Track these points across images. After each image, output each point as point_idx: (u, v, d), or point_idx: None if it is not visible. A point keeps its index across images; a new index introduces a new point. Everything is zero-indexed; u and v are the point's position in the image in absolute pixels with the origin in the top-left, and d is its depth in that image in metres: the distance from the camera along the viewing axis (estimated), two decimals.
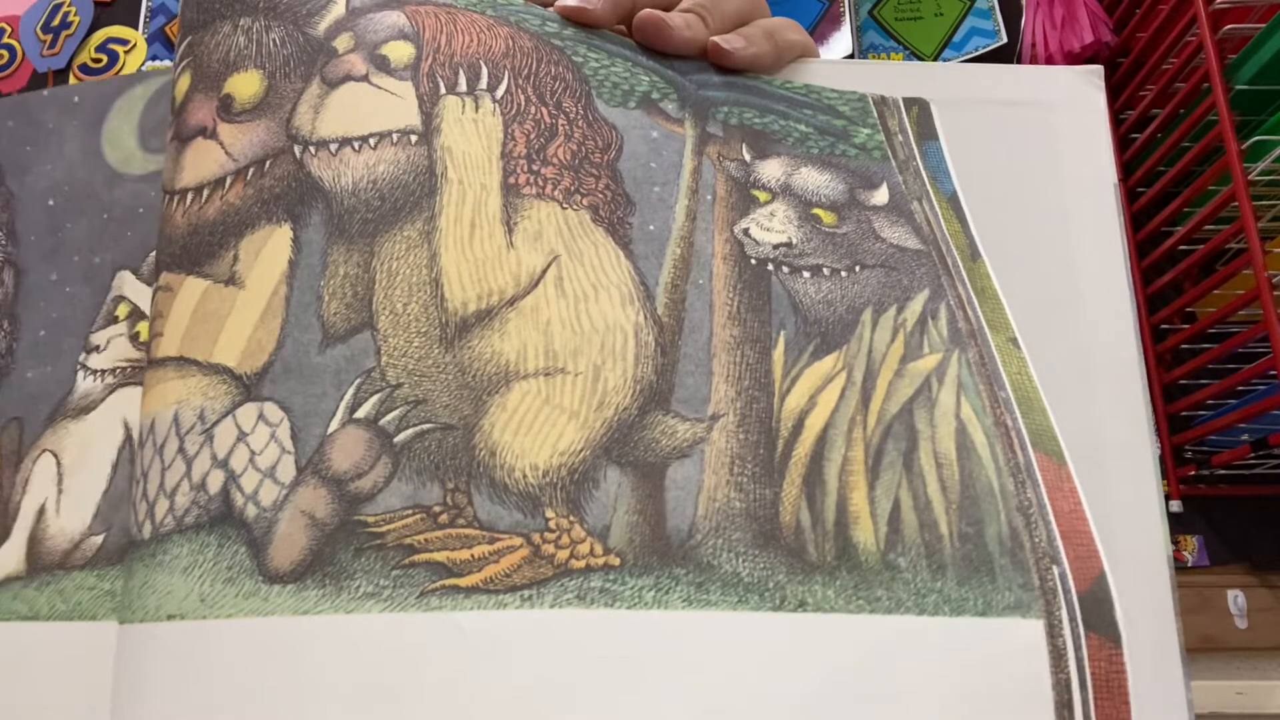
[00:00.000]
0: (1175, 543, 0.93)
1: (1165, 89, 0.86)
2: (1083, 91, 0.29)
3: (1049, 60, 0.99)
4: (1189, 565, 0.93)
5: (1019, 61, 1.05)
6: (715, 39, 0.29)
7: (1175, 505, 0.92)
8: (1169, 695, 0.22)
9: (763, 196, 0.26)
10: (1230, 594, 0.91)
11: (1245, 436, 0.80)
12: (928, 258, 0.25)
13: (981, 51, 1.07)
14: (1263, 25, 0.75)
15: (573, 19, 0.28)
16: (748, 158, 0.27)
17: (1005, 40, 1.05)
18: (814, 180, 0.26)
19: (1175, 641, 0.22)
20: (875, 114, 0.28)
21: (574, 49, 0.27)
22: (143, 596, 0.20)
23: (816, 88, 0.29)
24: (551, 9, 0.28)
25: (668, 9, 0.30)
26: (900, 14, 1.14)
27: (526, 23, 0.27)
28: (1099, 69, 0.29)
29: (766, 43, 0.29)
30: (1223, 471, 0.86)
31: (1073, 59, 0.98)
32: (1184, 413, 0.88)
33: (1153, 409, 0.95)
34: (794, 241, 0.25)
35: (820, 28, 1.16)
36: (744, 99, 0.28)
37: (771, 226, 0.25)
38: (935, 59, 1.10)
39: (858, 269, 0.25)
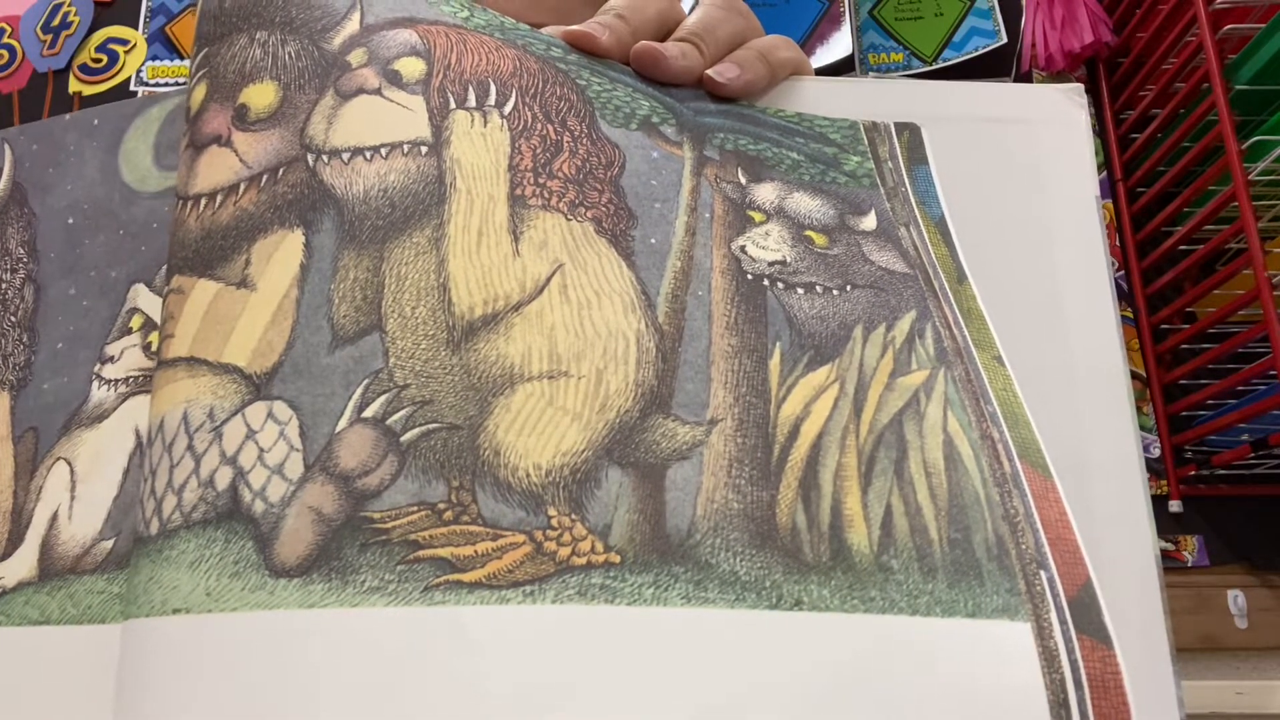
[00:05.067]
0: (1175, 543, 0.93)
1: (1165, 89, 0.87)
2: (1065, 109, 0.29)
3: (1049, 60, 0.99)
4: (1189, 565, 0.93)
5: (1019, 61, 1.05)
6: (709, 72, 0.29)
7: (1175, 505, 0.92)
8: (1160, 694, 0.22)
9: (758, 217, 0.27)
10: (1230, 594, 0.91)
11: (1245, 436, 0.81)
12: (914, 280, 0.26)
13: (982, 51, 1.07)
14: (1263, 25, 0.75)
15: (578, 46, 0.29)
16: (743, 180, 0.27)
17: (1005, 40, 1.05)
18: (806, 205, 0.27)
19: (1165, 641, 0.23)
20: (865, 141, 0.29)
21: (578, 73, 0.28)
22: (149, 591, 0.20)
23: (809, 116, 0.30)
24: (558, 36, 0.29)
25: (664, 38, 0.30)
26: (900, 14, 1.14)
27: (533, 46, 0.28)
28: (1080, 87, 0.30)
29: (760, 65, 0.30)
30: (1223, 471, 0.86)
31: (1073, 59, 0.98)
32: (1184, 413, 0.89)
33: (1153, 409, 0.96)
34: (788, 260, 0.26)
35: (820, 28, 1.16)
36: (739, 126, 0.29)
37: (767, 245, 0.26)
38: (935, 59, 1.10)
39: (848, 288, 0.26)
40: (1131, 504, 0.24)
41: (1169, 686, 0.22)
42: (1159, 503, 0.95)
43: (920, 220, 0.27)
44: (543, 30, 0.29)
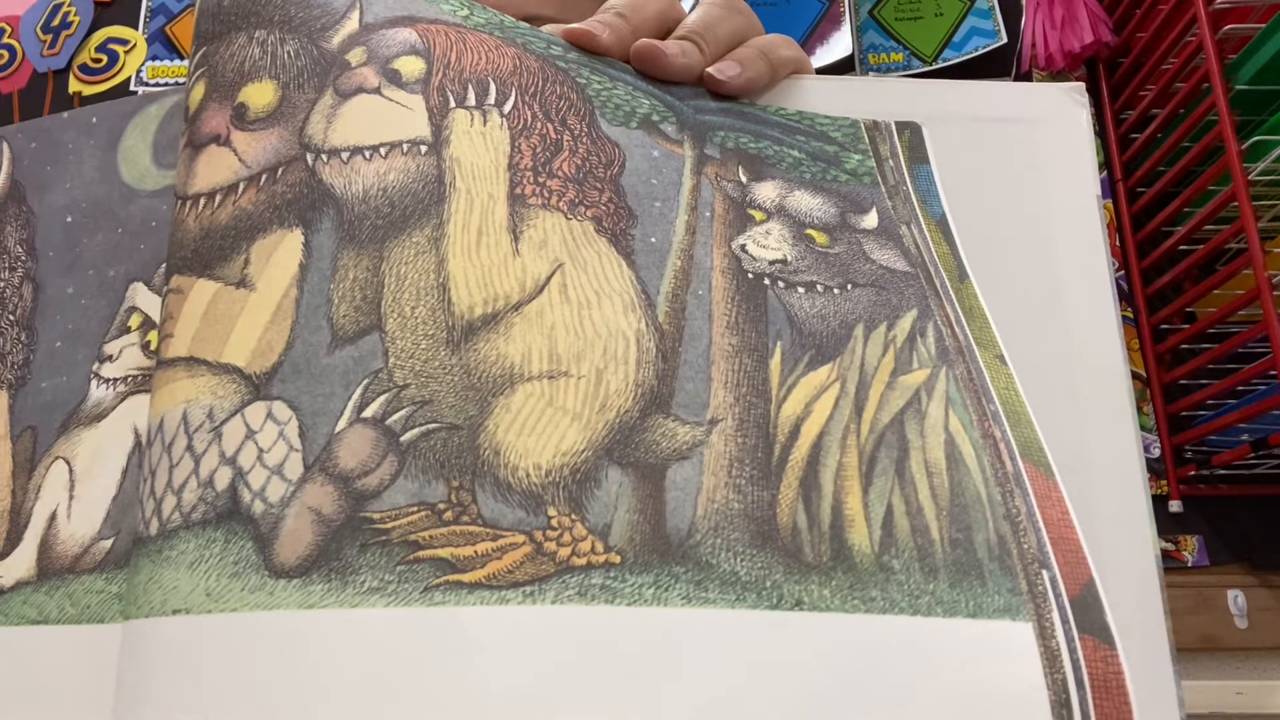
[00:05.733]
0: (1175, 543, 0.93)
1: (1165, 89, 0.87)
2: (1066, 108, 0.29)
3: (1049, 60, 0.99)
4: (1189, 565, 0.93)
5: (1019, 61, 1.05)
6: (709, 70, 0.29)
7: (1175, 505, 0.92)
8: (1160, 694, 0.22)
9: (758, 215, 0.27)
10: (1230, 594, 0.91)
11: (1245, 436, 0.81)
12: (915, 279, 0.26)
13: (982, 51, 1.07)
14: (1263, 25, 0.75)
15: (578, 44, 0.29)
16: (744, 179, 0.27)
17: (1005, 40, 1.05)
18: (807, 203, 0.27)
19: (1165, 641, 0.23)
20: (866, 140, 0.29)
21: (578, 71, 0.28)
22: (148, 592, 0.20)
23: (809, 114, 0.30)
24: (557, 34, 0.29)
25: (664, 36, 0.30)
26: (900, 14, 1.14)
27: (533, 45, 0.28)
28: (1081, 85, 0.29)
29: (761, 64, 0.30)
30: (1223, 471, 0.86)
31: (1073, 59, 0.98)
32: (1184, 413, 0.89)
33: (1153, 409, 0.96)
34: (789, 259, 0.26)
35: (820, 28, 1.16)
36: (739, 125, 0.29)
37: (767, 244, 0.26)
38: (935, 59, 1.10)
39: (849, 287, 0.26)
40: (1132, 504, 0.24)
41: (1169, 686, 0.22)
42: (1159, 503, 0.95)
43: (922, 219, 0.27)
44: (543, 29, 0.29)
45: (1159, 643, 0.23)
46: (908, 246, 0.27)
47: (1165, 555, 0.97)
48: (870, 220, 0.27)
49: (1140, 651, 0.22)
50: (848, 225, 0.27)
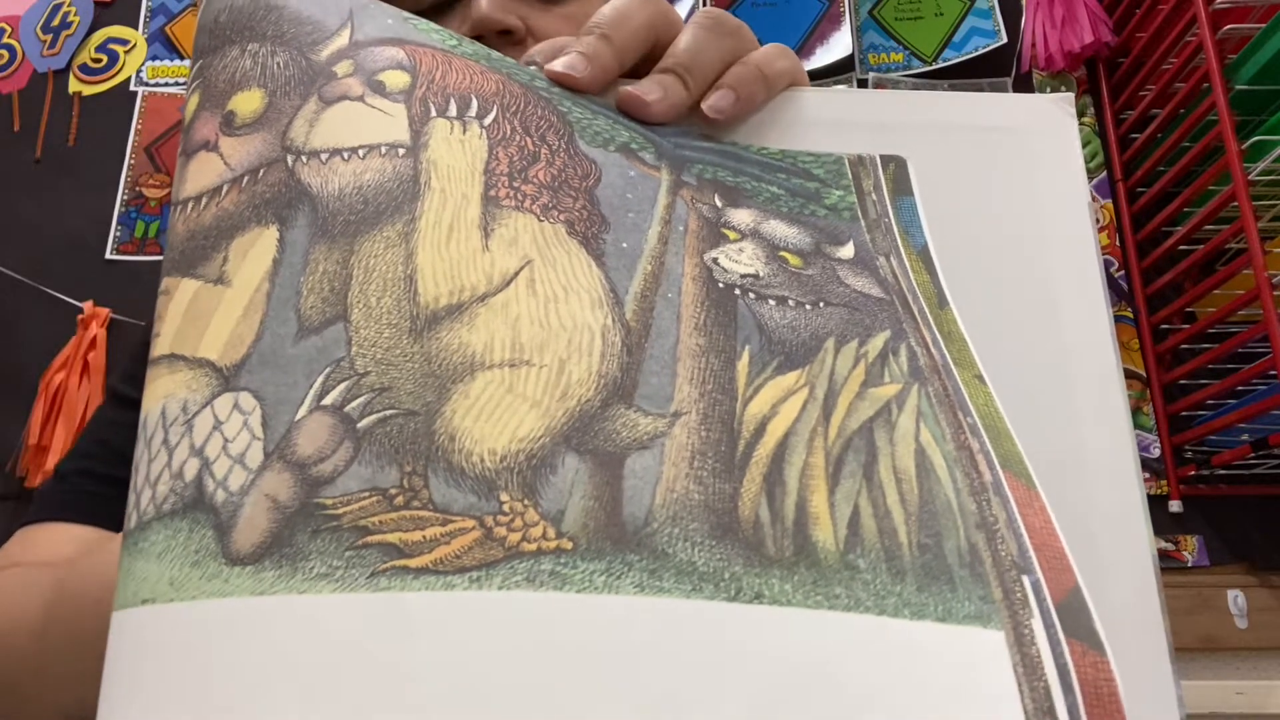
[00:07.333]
0: (1175, 543, 0.93)
1: (1165, 89, 0.86)
2: (1055, 118, 0.29)
3: (1049, 60, 0.99)
4: (1189, 565, 0.92)
5: (1019, 61, 1.05)
6: (704, 107, 0.29)
7: (1175, 505, 0.91)
8: (1160, 695, 0.22)
9: (732, 235, 0.27)
10: (1230, 594, 0.90)
11: (1245, 436, 0.80)
12: (890, 305, 0.26)
13: (982, 51, 1.07)
14: (1263, 25, 0.75)
15: (559, 83, 0.29)
16: (719, 204, 0.27)
17: (1005, 40, 1.05)
18: (782, 230, 0.27)
19: (1164, 642, 0.22)
20: (850, 175, 0.29)
21: (559, 100, 0.28)
22: (124, 584, 0.20)
23: (793, 152, 0.29)
24: (541, 74, 0.29)
25: (656, 46, 0.30)
26: (900, 14, 1.14)
27: (516, 76, 0.28)
28: (1070, 96, 0.30)
29: (756, 84, 0.29)
30: (1223, 471, 0.86)
31: (1073, 59, 0.98)
32: (1184, 413, 0.88)
33: (1153, 409, 0.96)
34: (761, 274, 0.26)
35: (820, 28, 1.16)
36: (719, 160, 0.29)
37: (740, 259, 0.26)
38: (935, 59, 1.10)
39: (821, 304, 0.26)
40: (1128, 505, 0.24)
41: (1169, 687, 0.22)
42: (1159, 503, 0.94)
43: (902, 249, 0.27)
44: (528, 67, 0.29)
45: (1157, 644, 0.22)
46: (884, 276, 0.27)
47: (1165, 555, 0.96)
48: (846, 251, 0.27)
49: (1139, 653, 0.22)
50: (822, 253, 0.27)
